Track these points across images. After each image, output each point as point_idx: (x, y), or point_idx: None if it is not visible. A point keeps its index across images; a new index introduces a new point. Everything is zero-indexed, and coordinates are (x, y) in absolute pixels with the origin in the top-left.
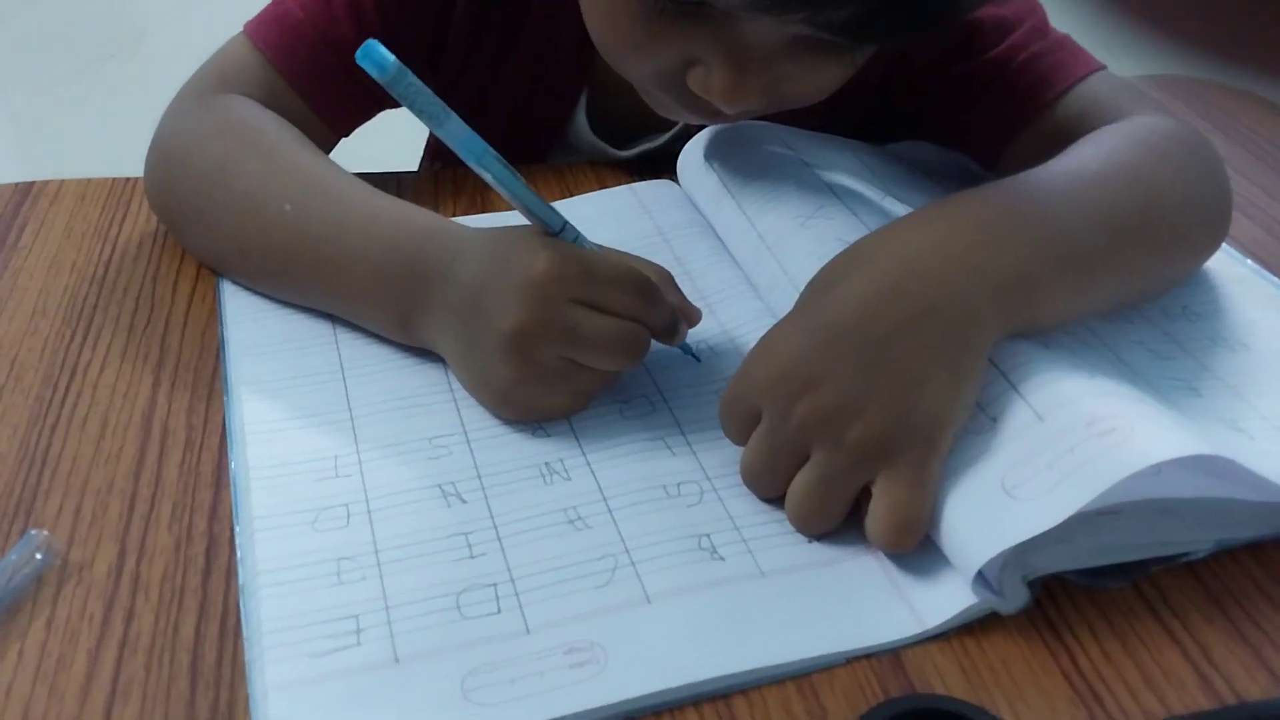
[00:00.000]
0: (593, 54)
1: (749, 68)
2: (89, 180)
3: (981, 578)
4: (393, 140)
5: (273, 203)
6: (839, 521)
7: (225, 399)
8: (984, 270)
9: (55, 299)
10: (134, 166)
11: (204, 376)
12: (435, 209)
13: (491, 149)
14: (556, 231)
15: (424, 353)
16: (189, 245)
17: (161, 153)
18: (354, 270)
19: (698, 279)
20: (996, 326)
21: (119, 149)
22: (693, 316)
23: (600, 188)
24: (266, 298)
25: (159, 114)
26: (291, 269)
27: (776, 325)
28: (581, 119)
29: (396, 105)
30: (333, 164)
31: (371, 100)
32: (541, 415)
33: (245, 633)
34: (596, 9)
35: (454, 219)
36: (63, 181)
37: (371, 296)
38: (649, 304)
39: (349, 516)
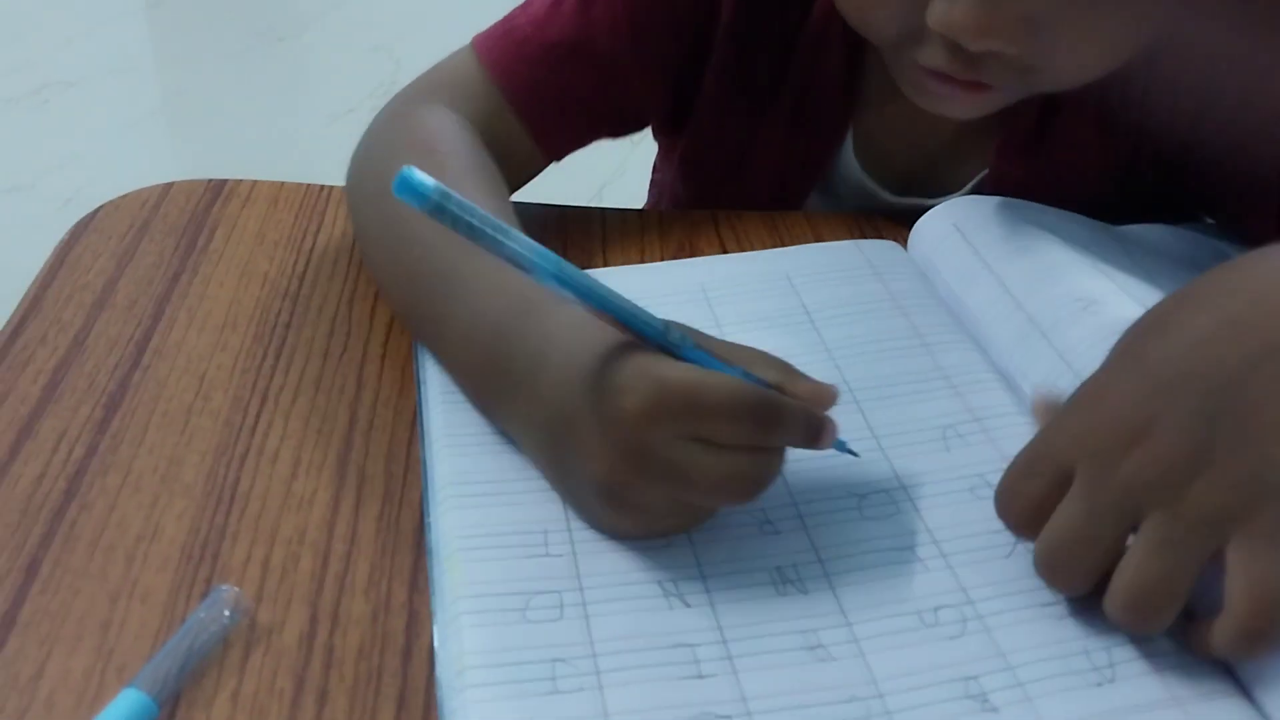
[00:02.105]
0: (858, 101)
1: (983, 11)
2: (282, 184)
3: None
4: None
5: (408, 242)
6: (1183, 603)
7: (421, 452)
8: None
9: (246, 312)
10: (289, 151)
11: (404, 417)
12: (641, 250)
13: (565, 261)
14: (659, 338)
15: None
16: (363, 256)
17: (355, 157)
18: (451, 336)
19: (937, 354)
20: None
21: (276, 132)
22: (826, 399)
23: (815, 237)
24: None
25: (316, 99)
26: (414, 314)
27: (1094, 375)
28: (849, 158)
29: (615, 135)
30: (495, 204)
31: (588, 128)
32: (653, 535)
33: None
34: None
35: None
36: (255, 183)
37: (463, 368)
38: (770, 429)
39: (562, 607)
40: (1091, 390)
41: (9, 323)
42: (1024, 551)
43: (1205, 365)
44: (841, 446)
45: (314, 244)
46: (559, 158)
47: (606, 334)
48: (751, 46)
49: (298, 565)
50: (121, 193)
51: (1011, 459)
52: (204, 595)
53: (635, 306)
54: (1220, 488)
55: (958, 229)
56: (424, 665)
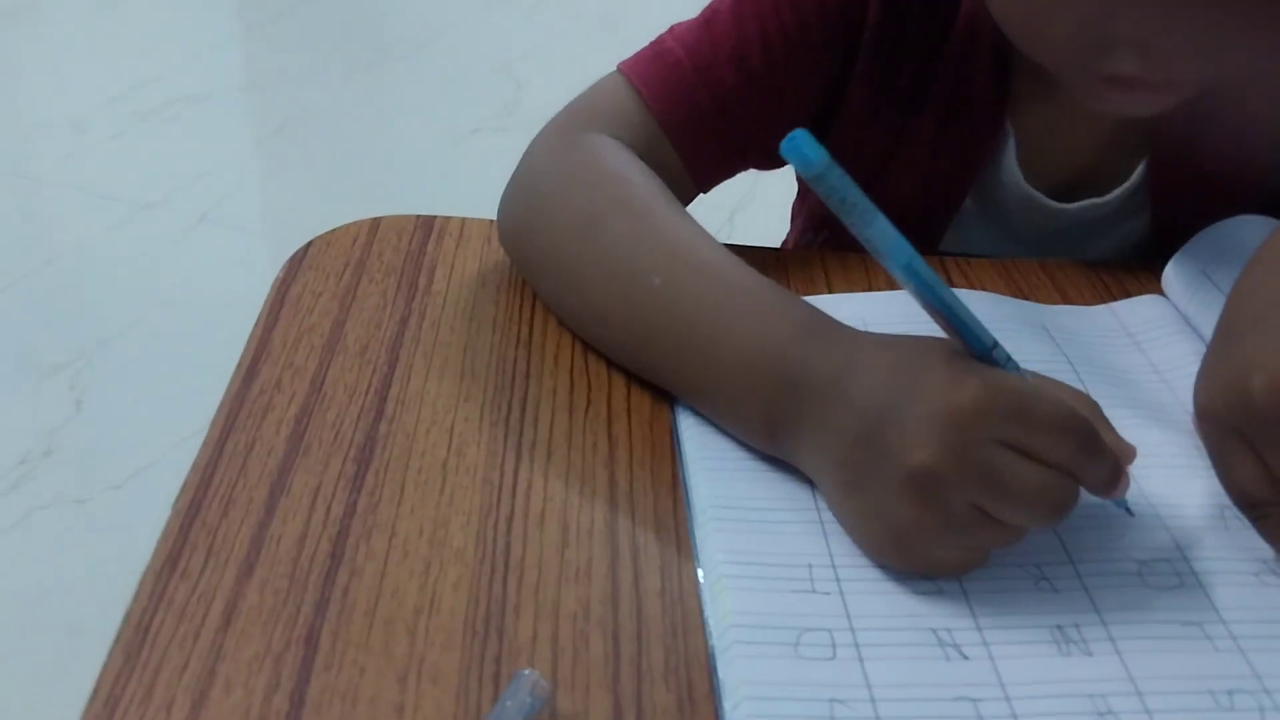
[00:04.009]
0: (1010, 99)
1: (1183, 7)
2: (490, 222)
3: None
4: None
5: (641, 273)
6: None
7: (684, 486)
8: None
9: (482, 360)
10: (416, 170)
11: (663, 482)
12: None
13: (918, 253)
14: (987, 351)
15: None
16: (547, 300)
17: (524, 193)
18: (723, 362)
19: None
20: None
21: (403, 150)
22: (1129, 454)
23: (1055, 289)
24: None
25: (440, 119)
26: (654, 348)
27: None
28: (1011, 165)
29: (766, 165)
30: (704, 231)
31: (739, 156)
32: (927, 568)
33: None
34: None
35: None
36: (464, 221)
37: (738, 396)
38: (1090, 455)
39: (834, 647)
40: (1210, 370)
41: (240, 364)
42: None
43: (1276, 290)
44: (1122, 504)
45: None
46: (707, 189)
47: (920, 342)
48: (897, 49)
49: (589, 646)
50: (255, 209)
51: None
52: (496, 677)
53: (971, 315)
54: None
55: (1207, 276)
56: None
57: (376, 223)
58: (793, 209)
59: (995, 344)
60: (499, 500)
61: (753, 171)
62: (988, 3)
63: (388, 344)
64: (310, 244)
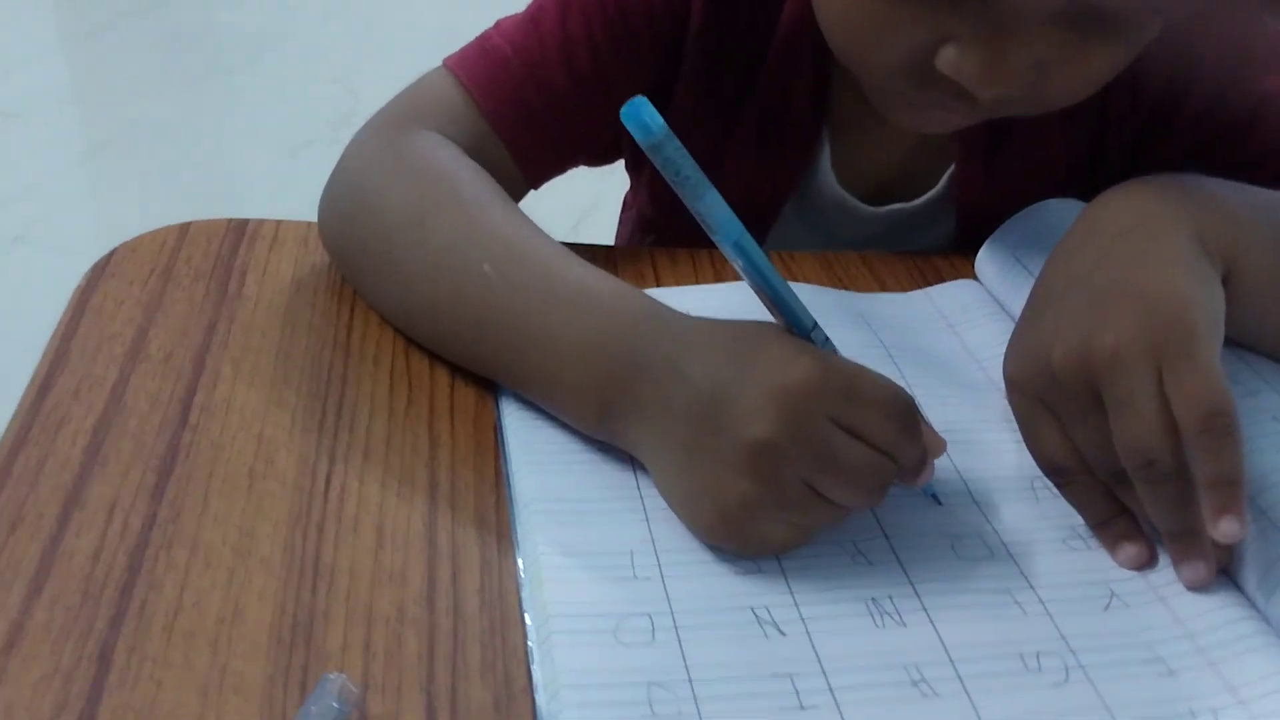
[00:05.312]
0: (830, 105)
1: (1008, 43)
2: (309, 224)
3: None
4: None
5: (472, 263)
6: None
7: (506, 481)
8: (1178, 207)
9: (297, 364)
10: (250, 183)
11: (486, 478)
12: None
13: (747, 231)
14: (807, 333)
15: None
16: (370, 297)
17: (346, 190)
18: (557, 348)
19: None
20: (1191, 229)
21: (234, 164)
22: (938, 448)
23: (874, 278)
24: None
25: (273, 131)
26: (486, 338)
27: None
28: (827, 173)
29: (596, 162)
30: (535, 225)
31: (570, 153)
32: (756, 547)
33: None
34: None
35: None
36: (279, 223)
37: (570, 380)
38: (908, 437)
39: (654, 631)
40: (1016, 344)
41: (34, 377)
42: (1120, 605)
43: (1068, 276)
44: (930, 490)
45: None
46: (538, 184)
47: (752, 324)
48: (719, 60)
49: (402, 647)
50: (76, 229)
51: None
52: (303, 685)
53: (794, 295)
54: (1125, 337)
55: (1018, 259)
56: None
57: (185, 227)
58: (624, 202)
59: (815, 325)
60: (309, 506)
61: (596, 180)
62: (819, 20)
63: (194, 351)
64: (114, 251)
